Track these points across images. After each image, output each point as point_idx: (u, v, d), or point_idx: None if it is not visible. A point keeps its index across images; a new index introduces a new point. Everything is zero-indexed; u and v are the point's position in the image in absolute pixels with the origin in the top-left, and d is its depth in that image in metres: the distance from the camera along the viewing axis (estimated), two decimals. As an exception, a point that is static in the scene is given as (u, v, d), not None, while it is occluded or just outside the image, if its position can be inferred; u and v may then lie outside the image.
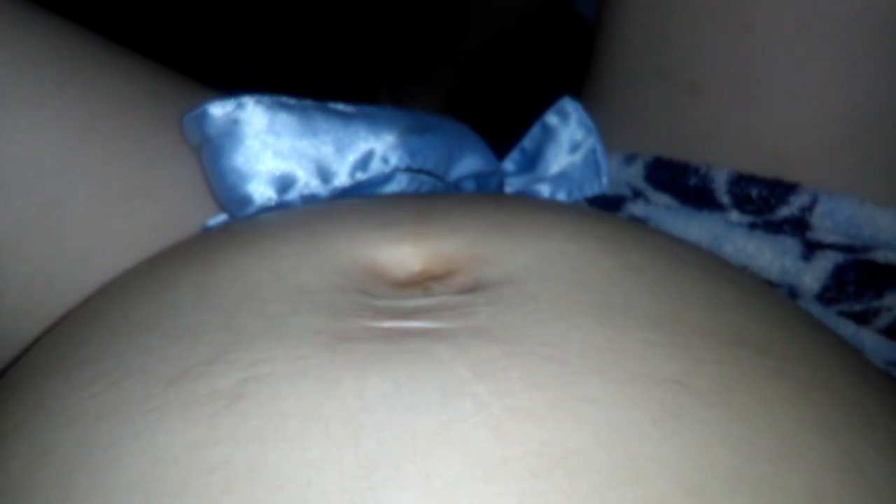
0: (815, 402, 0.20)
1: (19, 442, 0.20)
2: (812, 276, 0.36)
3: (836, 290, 0.36)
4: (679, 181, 0.39)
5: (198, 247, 0.28)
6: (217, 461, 0.18)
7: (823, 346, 0.24)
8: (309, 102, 0.34)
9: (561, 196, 0.42)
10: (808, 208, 0.36)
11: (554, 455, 0.17)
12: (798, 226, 0.37)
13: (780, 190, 0.36)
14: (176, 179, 0.35)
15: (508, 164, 0.45)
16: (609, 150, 0.43)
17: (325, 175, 0.33)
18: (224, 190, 0.33)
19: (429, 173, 0.35)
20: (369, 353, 0.20)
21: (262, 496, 0.17)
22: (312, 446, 0.18)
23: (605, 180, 0.42)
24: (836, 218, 0.36)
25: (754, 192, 0.37)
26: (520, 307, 0.22)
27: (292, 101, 0.33)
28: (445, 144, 0.35)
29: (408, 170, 0.34)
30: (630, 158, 0.41)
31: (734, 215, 0.38)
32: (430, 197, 0.32)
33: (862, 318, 0.36)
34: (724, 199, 0.38)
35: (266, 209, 0.33)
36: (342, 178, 0.33)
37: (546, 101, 0.44)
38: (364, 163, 0.33)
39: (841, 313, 0.36)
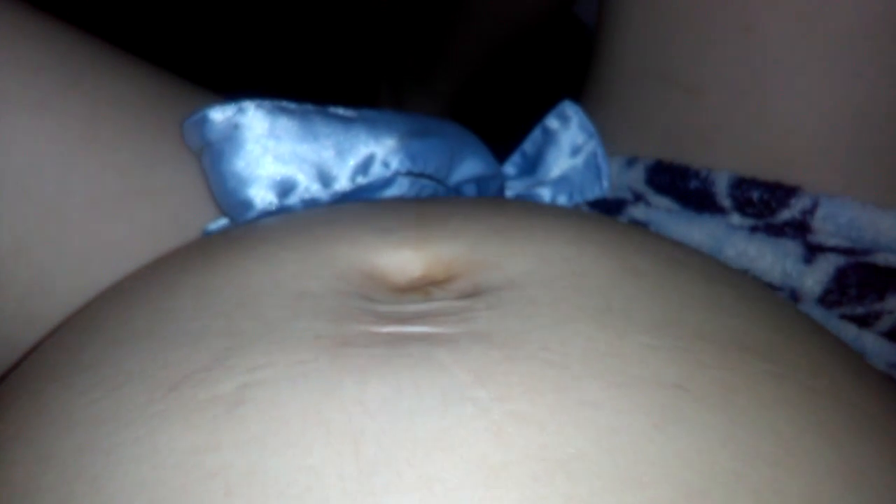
0: (816, 407, 0.20)
1: (19, 448, 0.20)
2: (813, 279, 0.36)
3: (838, 292, 0.36)
4: (680, 184, 0.39)
5: (198, 252, 0.28)
6: (218, 466, 0.18)
7: (824, 350, 0.24)
8: (309, 107, 0.34)
9: (562, 199, 0.42)
10: (810, 211, 0.36)
11: (555, 460, 0.17)
12: (799, 229, 0.36)
13: (782, 193, 0.36)
14: (176, 184, 0.35)
15: (509, 168, 0.45)
16: (610, 154, 0.43)
17: (325, 179, 0.33)
18: (225, 194, 0.33)
19: (429, 177, 0.35)
20: (370, 358, 0.20)
21: (263, 501, 0.17)
22: (313, 451, 0.18)
23: (605, 184, 0.42)
24: (837, 221, 0.36)
25: (755, 196, 0.37)
26: (520, 312, 0.22)
27: (293, 105, 0.33)
28: (446, 148, 0.35)
29: (408, 173, 0.34)
30: (631, 162, 0.41)
31: (735, 218, 0.38)
32: (430, 201, 0.32)
33: (864, 321, 0.36)
34: (725, 202, 0.38)
35: (267, 214, 0.33)
36: (343, 183, 0.33)
37: (547, 105, 0.44)
38: (365, 167, 0.33)
39: (843, 316, 0.36)
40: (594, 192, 0.42)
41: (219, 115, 0.32)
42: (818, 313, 0.36)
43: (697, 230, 0.38)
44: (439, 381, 0.19)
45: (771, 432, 0.19)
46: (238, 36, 0.88)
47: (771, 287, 0.37)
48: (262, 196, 0.32)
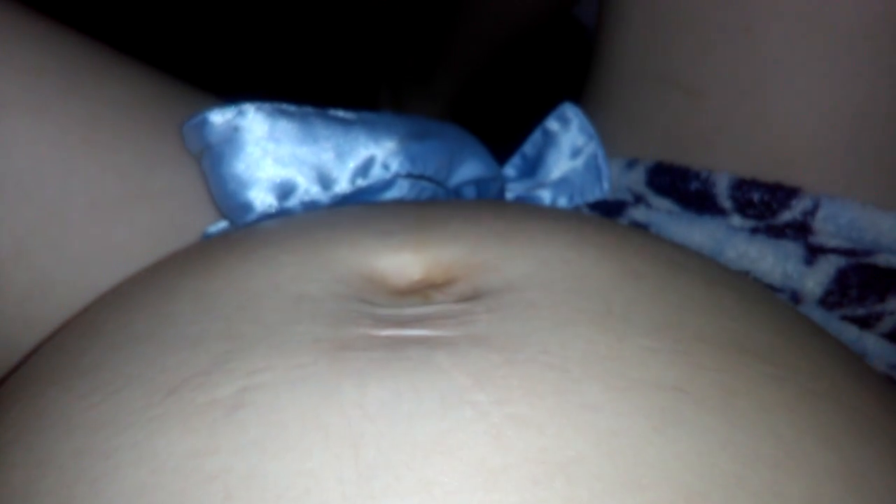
0: (816, 409, 0.20)
1: (19, 451, 0.20)
2: (814, 280, 0.36)
3: (839, 294, 0.36)
4: (680, 186, 0.39)
5: (197, 255, 0.28)
6: (217, 470, 0.18)
7: (824, 353, 0.24)
8: (309, 109, 0.34)
9: (562, 201, 0.42)
10: (810, 212, 0.36)
11: (554, 463, 0.17)
12: (800, 230, 0.36)
13: (782, 194, 0.36)
14: (176, 187, 0.35)
15: (509, 170, 0.45)
16: (610, 156, 0.43)
17: (325, 182, 0.33)
18: (224, 197, 0.33)
19: (429, 179, 0.35)
20: (369, 362, 0.20)
21: (262, 505, 0.17)
22: (312, 455, 0.18)
23: (606, 186, 0.42)
24: (838, 222, 0.36)
25: (756, 197, 0.37)
26: (520, 315, 0.22)
27: (292, 107, 0.33)
28: (446, 150, 0.35)
29: (408, 176, 0.34)
30: (631, 164, 0.41)
31: (736, 220, 0.38)
32: (430, 204, 0.32)
33: (865, 323, 0.36)
34: (726, 203, 0.38)
35: (267, 216, 0.33)
36: (343, 185, 0.33)
37: (547, 108, 0.44)
38: (364, 169, 0.33)
39: (844, 318, 0.36)
40: (594, 194, 0.42)
41: (218, 117, 0.32)
42: (819, 315, 0.36)
43: (698, 232, 0.38)
44: (438, 384, 0.19)
45: (771, 435, 0.19)
46: (238, 38, 0.88)
47: (772, 288, 0.37)
48: (261, 198, 0.32)
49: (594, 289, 0.23)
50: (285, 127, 0.33)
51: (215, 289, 0.24)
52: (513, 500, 0.17)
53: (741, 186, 0.37)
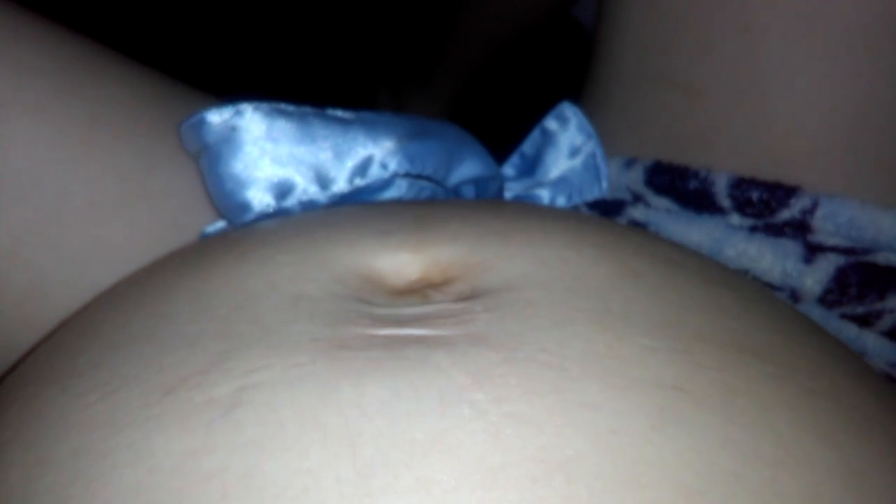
0: (815, 408, 0.20)
1: (16, 451, 0.20)
2: (814, 278, 0.36)
3: (838, 292, 0.36)
4: (679, 185, 0.39)
5: (195, 255, 0.28)
6: (214, 469, 0.18)
7: (823, 351, 0.24)
8: (307, 109, 0.34)
9: (561, 201, 0.42)
10: (809, 211, 0.36)
11: (553, 461, 0.17)
12: (799, 229, 0.36)
13: (781, 193, 0.36)
14: (174, 187, 0.35)
15: (508, 169, 0.45)
16: (609, 155, 0.43)
17: (323, 181, 0.33)
18: (222, 197, 0.33)
19: (428, 178, 0.35)
20: (367, 361, 0.20)
21: (259, 504, 0.17)
22: (310, 454, 0.17)
23: (605, 185, 0.42)
24: (837, 220, 0.36)
25: (755, 196, 0.37)
26: (518, 314, 0.22)
27: (290, 107, 0.33)
28: (444, 149, 0.35)
29: (407, 175, 0.34)
30: (630, 163, 0.41)
31: (735, 219, 0.38)
32: (428, 204, 0.32)
33: (864, 321, 0.36)
34: (725, 202, 0.38)
35: (265, 216, 0.33)
36: (341, 185, 0.33)
37: (545, 107, 0.44)
38: (363, 169, 0.33)
39: (843, 316, 0.36)
40: (593, 193, 0.42)
41: (216, 117, 0.32)
42: (818, 313, 0.36)
43: (697, 231, 0.38)
44: (437, 383, 0.19)
45: (770, 433, 0.19)
46: (236, 38, 0.88)
47: (771, 287, 0.37)
48: (259, 198, 0.32)
49: (593, 288, 0.23)
50: (283, 126, 0.33)
51: (213, 288, 0.24)
52: (511, 498, 0.17)
53: (740, 185, 0.37)
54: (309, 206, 0.33)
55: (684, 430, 0.18)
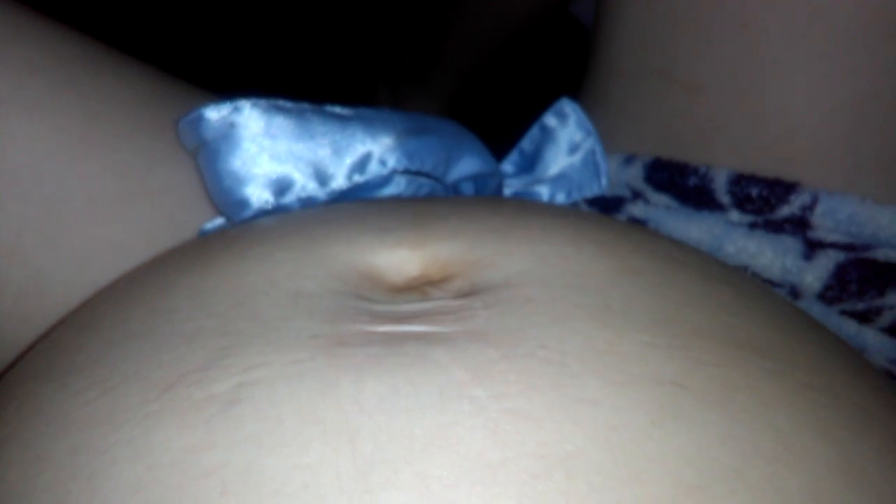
0: (814, 404, 0.20)
1: (14, 448, 0.20)
2: (813, 275, 0.36)
3: (838, 288, 0.36)
4: (679, 181, 0.39)
5: (194, 252, 0.28)
6: (213, 465, 0.18)
7: (823, 348, 0.24)
8: (305, 105, 0.34)
9: (560, 197, 0.42)
10: (809, 207, 0.36)
11: (553, 457, 0.17)
12: (799, 225, 0.36)
13: (781, 189, 0.36)
14: (173, 184, 0.35)
15: (507, 166, 0.45)
16: (608, 152, 0.43)
17: (322, 178, 0.33)
18: (221, 193, 0.33)
19: (427, 175, 0.35)
20: (366, 357, 0.20)
21: (259, 499, 0.17)
22: (309, 450, 0.17)
23: (604, 181, 0.42)
24: (836, 217, 0.36)
25: (754, 192, 0.37)
26: (518, 310, 0.22)
27: (289, 104, 0.33)
28: (443, 146, 0.35)
29: (405, 172, 0.34)
30: (629, 159, 0.41)
31: (734, 215, 0.38)
32: (427, 201, 0.32)
33: (864, 317, 0.36)
34: (724, 198, 0.38)
35: (263, 212, 0.33)
36: (339, 181, 0.33)
37: (544, 104, 0.44)
38: (361, 165, 0.33)
39: (843, 312, 0.36)
40: (592, 190, 0.42)
41: (214, 113, 0.32)
42: (818, 309, 0.36)
43: (696, 227, 0.38)
44: (436, 379, 0.19)
45: (770, 429, 0.19)
46: (235, 36, 0.88)
47: (771, 283, 0.37)
48: (258, 195, 0.32)
49: (592, 285, 0.23)
50: (281, 123, 0.33)
51: (212, 285, 0.24)
52: (511, 493, 0.17)
53: (740, 181, 0.37)
54: (308, 203, 0.33)
55: (684, 426, 0.18)
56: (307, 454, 0.17)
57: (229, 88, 0.36)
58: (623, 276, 0.24)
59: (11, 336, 0.34)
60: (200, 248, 0.28)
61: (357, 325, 0.22)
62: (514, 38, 0.75)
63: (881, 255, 0.35)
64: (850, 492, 0.18)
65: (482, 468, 0.17)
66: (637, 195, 0.41)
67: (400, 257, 0.26)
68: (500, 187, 0.40)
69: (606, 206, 0.42)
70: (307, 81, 0.85)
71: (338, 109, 0.34)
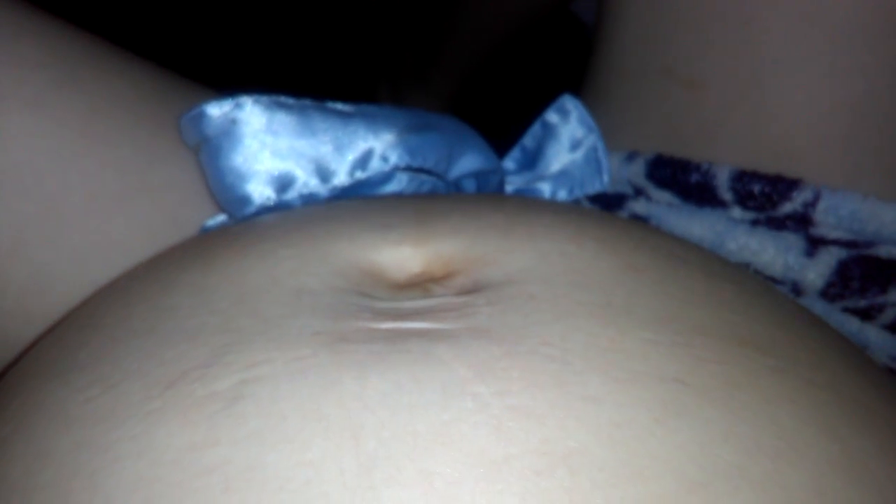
0: (816, 400, 0.20)
1: (17, 445, 0.20)
2: (816, 272, 0.36)
3: (841, 285, 0.36)
4: (681, 178, 0.39)
5: (196, 249, 0.28)
6: (216, 462, 0.18)
7: (825, 344, 0.24)
8: (307, 102, 0.34)
9: (562, 194, 0.42)
10: (811, 204, 0.36)
11: (556, 454, 0.17)
12: (801, 222, 0.36)
13: (783, 186, 0.36)
14: (174, 181, 0.35)
15: (509, 163, 0.45)
16: (610, 148, 0.42)
17: (324, 174, 0.33)
18: (223, 190, 0.33)
19: (429, 172, 0.35)
20: (369, 354, 0.20)
21: (262, 496, 0.17)
22: (312, 446, 0.17)
23: (606, 178, 0.42)
24: (839, 213, 0.36)
25: (756, 189, 0.37)
26: (520, 308, 0.22)
27: (290, 100, 0.33)
28: (445, 143, 0.35)
29: (407, 168, 0.34)
30: (631, 156, 0.41)
31: (736, 212, 0.38)
32: (429, 198, 0.32)
33: (866, 314, 0.36)
34: (727, 195, 0.38)
35: (265, 209, 0.33)
36: (341, 178, 0.33)
37: (546, 101, 0.44)
38: (363, 162, 0.33)
39: (845, 309, 0.36)
40: (594, 187, 0.42)
41: (216, 110, 0.32)
42: (820, 307, 0.36)
43: (698, 224, 0.38)
44: (439, 376, 0.19)
45: (772, 426, 0.19)
46: (236, 33, 0.88)
47: (773, 280, 0.37)
48: (260, 191, 0.32)
49: (594, 282, 0.23)
50: (283, 119, 0.33)
51: (214, 282, 0.24)
52: (515, 490, 0.17)
53: (742, 178, 0.37)
54: (309, 200, 0.33)
55: (686, 423, 0.18)
56: (310, 451, 0.17)
57: (231, 85, 0.36)
58: (625, 274, 0.24)
59: (13, 333, 0.34)
60: (202, 244, 0.28)
61: (360, 321, 0.22)
62: (516, 35, 0.75)
63: (883, 252, 0.35)
64: (853, 488, 0.18)
65: (485, 465, 0.17)
66: (639, 192, 0.41)
67: (402, 254, 0.26)
68: (501, 184, 0.40)
69: (608, 203, 0.42)
70: (309, 79, 0.84)
71: (339, 106, 0.34)
